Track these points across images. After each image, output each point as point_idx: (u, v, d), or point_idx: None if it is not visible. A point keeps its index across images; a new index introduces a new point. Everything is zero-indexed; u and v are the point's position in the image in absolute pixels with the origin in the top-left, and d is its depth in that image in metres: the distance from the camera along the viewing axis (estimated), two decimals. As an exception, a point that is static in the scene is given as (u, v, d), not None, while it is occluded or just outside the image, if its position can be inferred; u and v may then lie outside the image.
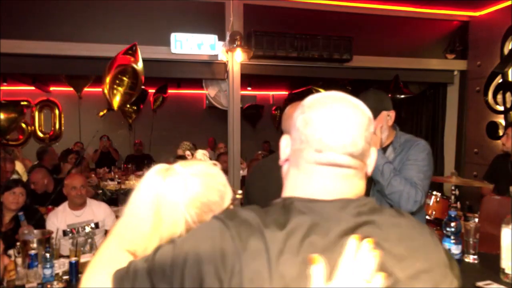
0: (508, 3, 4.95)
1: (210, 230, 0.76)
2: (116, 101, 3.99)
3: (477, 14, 5.48)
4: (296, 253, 0.71)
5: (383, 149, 2.18)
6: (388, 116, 2.17)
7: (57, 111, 8.50)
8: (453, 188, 3.71)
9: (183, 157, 5.15)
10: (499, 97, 5.00)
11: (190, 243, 0.75)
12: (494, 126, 5.08)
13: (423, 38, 5.59)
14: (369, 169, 0.87)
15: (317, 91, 5.15)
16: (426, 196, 2.86)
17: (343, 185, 0.82)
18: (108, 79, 3.95)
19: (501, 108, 5.00)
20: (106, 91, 3.99)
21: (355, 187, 0.84)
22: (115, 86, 3.95)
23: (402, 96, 5.43)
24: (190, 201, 0.89)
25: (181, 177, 0.90)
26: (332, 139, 0.81)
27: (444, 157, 6.00)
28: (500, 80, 4.99)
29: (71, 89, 7.22)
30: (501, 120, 5.02)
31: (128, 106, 7.72)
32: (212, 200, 0.92)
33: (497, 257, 1.85)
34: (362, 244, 0.71)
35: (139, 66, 4.08)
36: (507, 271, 1.69)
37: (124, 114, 7.87)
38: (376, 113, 2.12)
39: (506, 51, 4.93)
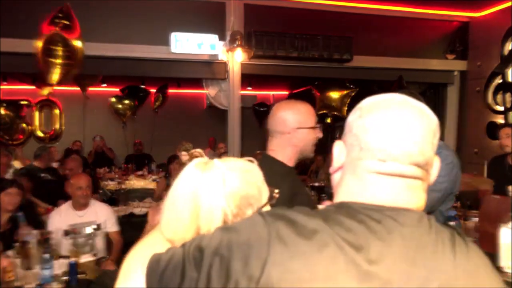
0: (508, 4, 4.95)
1: (250, 225, 0.74)
2: (55, 75, 3.60)
3: (477, 15, 5.48)
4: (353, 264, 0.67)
5: None
6: None
7: (57, 111, 8.49)
8: (453, 188, 3.70)
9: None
10: (499, 97, 5.00)
11: (225, 235, 0.74)
12: (494, 126, 5.08)
13: (423, 38, 5.59)
14: (431, 179, 0.78)
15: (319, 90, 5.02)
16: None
17: (407, 196, 0.75)
18: (39, 53, 3.59)
19: (501, 108, 5.00)
20: (41, 65, 3.63)
21: (419, 199, 0.76)
22: (49, 59, 3.55)
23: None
24: (229, 194, 0.90)
25: (219, 172, 0.92)
26: (396, 148, 0.73)
27: (444, 157, 6.00)
28: (500, 81, 4.99)
29: (72, 88, 7.22)
30: (501, 120, 5.02)
31: (120, 102, 7.73)
32: (250, 194, 0.93)
33: (496, 256, 1.85)
34: None
35: (74, 30, 3.63)
36: (506, 269, 1.70)
37: (117, 112, 7.87)
38: None
39: (506, 51, 4.93)
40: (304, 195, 1.77)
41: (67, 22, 3.55)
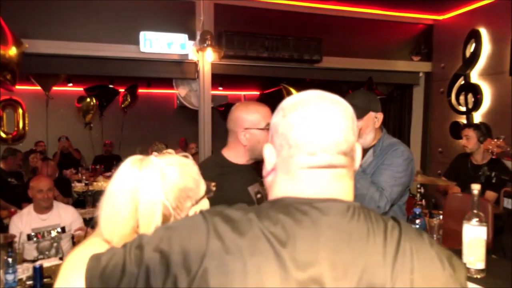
0: (470, 7, 5.14)
1: (190, 222, 0.75)
2: None
3: (440, 18, 5.66)
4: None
5: (365, 151, 2.14)
6: (376, 118, 2.13)
7: (20, 111, 8.20)
8: (418, 186, 3.82)
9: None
10: (462, 98, 5.19)
11: (166, 232, 0.75)
12: (457, 126, 5.26)
13: (390, 40, 5.73)
14: (356, 164, 0.83)
15: (288, 89, 5.08)
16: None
17: (335, 187, 0.79)
18: None
19: (463, 108, 5.19)
20: None
21: (348, 188, 0.81)
22: None
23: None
24: (168, 188, 0.93)
25: (157, 167, 0.94)
26: (324, 139, 0.77)
27: (411, 156, 6.16)
28: (463, 82, 5.18)
29: (36, 88, 6.99)
30: (463, 120, 5.21)
31: (85, 103, 7.58)
32: (188, 187, 0.97)
33: (459, 252, 1.92)
34: None
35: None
36: (468, 265, 1.76)
37: (82, 113, 7.69)
38: (363, 113, 2.07)
39: (468, 53, 5.12)
40: (243, 194, 1.79)
41: None
